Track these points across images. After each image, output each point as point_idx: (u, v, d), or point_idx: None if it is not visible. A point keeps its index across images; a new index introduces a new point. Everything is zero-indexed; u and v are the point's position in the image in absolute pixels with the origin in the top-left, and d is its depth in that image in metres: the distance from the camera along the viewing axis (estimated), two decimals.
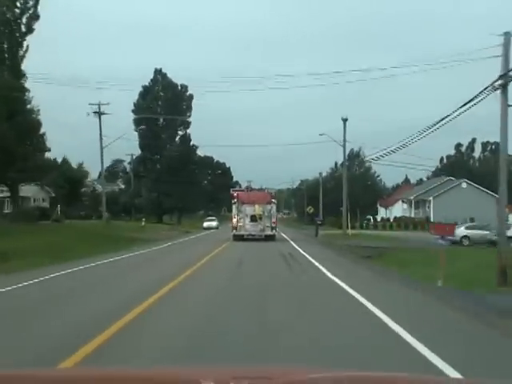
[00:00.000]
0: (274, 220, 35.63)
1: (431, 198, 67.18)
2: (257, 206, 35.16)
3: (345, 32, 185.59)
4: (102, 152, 49.99)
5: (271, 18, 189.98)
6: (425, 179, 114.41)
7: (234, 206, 36.15)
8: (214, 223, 64.84)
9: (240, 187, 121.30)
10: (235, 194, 36.96)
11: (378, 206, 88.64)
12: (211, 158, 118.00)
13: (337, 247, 30.47)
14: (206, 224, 64.67)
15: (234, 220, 35.69)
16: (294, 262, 19.64)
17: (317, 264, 18.57)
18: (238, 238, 34.81)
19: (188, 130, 77.53)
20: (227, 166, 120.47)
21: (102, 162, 50.55)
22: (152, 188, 73.02)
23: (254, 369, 3.44)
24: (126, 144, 78.53)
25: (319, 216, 58.03)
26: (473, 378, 5.00)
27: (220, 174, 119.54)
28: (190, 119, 76.60)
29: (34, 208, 61.14)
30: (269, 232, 35.17)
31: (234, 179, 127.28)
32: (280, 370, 3.11)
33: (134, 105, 75.26)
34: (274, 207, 36.08)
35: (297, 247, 28.59)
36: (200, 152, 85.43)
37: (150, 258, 22.27)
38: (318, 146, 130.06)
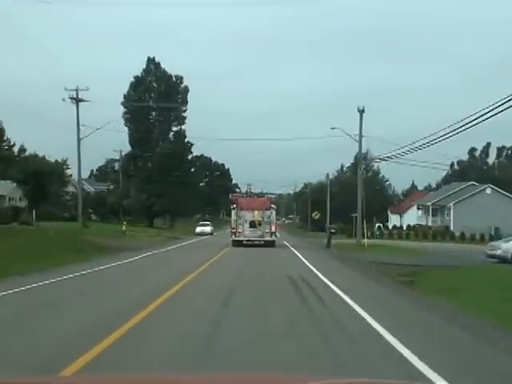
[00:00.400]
0: (273, 226, 35.23)
1: (451, 205, 60.36)
2: (256, 212, 34.83)
3: (345, 39, 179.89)
4: (78, 144, 43.37)
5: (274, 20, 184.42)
6: (434, 186, 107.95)
7: (233, 212, 35.77)
8: (208, 228, 57.76)
9: (239, 190, 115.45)
10: (234, 200, 36.75)
11: (389, 212, 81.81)
12: (209, 159, 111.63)
13: (357, 263, 23.70)
14: (198, 229, 57.65)
15: (233, 226, 35.27)
16: (314, 299, 12.59)
17: (346, 299, 11.76)
18: (237, 243, 34.26)
19: (183, 126, 70.87)
20: (226, 167, 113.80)
21: (79, 156, 43.81)
22: (141, 188, 66.25)
23: (253, 377, 3.33)
24: (122, 141, 71.41)
25: (327, 223, 51.35)
26: None
27: (219, 176, 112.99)
28: (185, 114, 70.00)
29: (7, 208, 54.64)
30: (268, 238, 34.71)
31: (234, 181, 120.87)
32: (280, 378, 3.07)
33: (124, 97, 68.72)
34: (274, 213, 35.81)
35: (308, 264, 21.71)
36: (197, 151, 78.97)
37: (91, 285, 15.49)
38: (322, 149, 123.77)
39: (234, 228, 35.00)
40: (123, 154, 70.76)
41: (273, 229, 34.69)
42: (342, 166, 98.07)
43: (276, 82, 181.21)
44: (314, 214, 59.27)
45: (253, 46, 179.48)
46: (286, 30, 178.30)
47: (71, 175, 70.81)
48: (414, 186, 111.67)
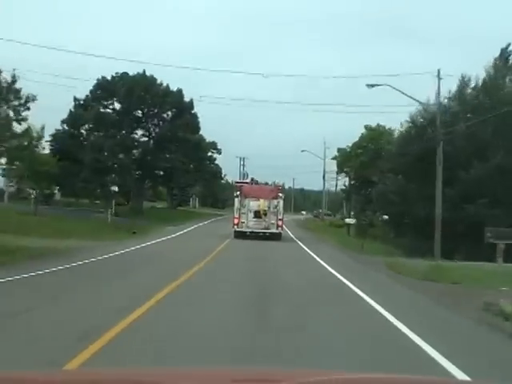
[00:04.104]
0: (280, 217, 33.33)
1: None
2: (262, 201, 33.14)
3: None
4: None
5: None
6: None
7: (236, 200, 33.70)
8: None
9: (219, 152, 61.32)
10: (238, 187, 34.95)
11: None
12: (150, 79, 53.29)
13: None
14: None
15: (236, 215, 33.09)
16: None
17: None
18: (240, 235, 32.17)
19: None
20: (187, 99, 54.56)
21: None
22: None
23: (256, 372, 3.28)
24: None
25: None
26: (477, 379, 4.74)
27: (176, 116, 54.39)
28: None
29: None
30: (274, 230, 32.93)
31: (205, 138, 62.30)
32: (282, 373, 3.04)
33: None
34: (282, 202, 33.86)
35: None
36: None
37: None
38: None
39: (236, 218, 33.10)
40: None
41: (280, 220, 32.90)
42: (463, 81, 37.45)
43: None
44: None
45: None
46: None
47: None
48: None
